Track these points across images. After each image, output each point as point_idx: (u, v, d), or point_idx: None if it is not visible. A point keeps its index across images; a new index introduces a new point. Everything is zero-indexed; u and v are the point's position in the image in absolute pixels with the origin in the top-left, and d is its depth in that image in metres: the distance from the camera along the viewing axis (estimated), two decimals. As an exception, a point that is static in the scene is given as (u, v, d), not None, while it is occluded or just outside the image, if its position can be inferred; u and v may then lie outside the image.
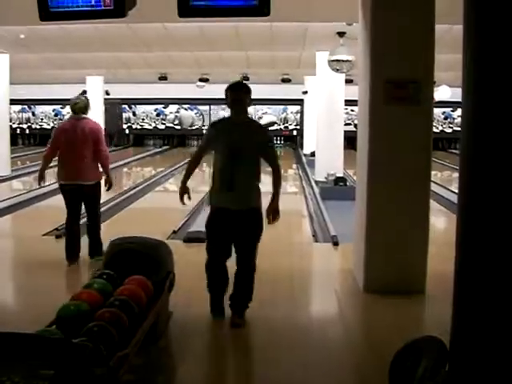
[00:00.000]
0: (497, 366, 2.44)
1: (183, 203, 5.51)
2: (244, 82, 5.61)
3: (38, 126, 30.13)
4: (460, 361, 2.59)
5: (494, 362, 2.44)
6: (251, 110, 28.69)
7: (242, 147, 5.28)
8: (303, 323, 5.61)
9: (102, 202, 12.07)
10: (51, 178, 15.97)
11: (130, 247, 5.09)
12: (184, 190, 5.49)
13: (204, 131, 28.92)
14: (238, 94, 5.30)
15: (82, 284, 4.66)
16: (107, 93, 25.83)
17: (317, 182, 15.02)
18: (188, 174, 5.60)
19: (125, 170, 20.69)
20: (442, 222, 10.46)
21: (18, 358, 2.93)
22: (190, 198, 5.53)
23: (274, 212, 5.35)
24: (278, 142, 28.93)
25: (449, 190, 13.55)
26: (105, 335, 3.60)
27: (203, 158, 5.63)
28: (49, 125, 29.21)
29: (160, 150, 28.09)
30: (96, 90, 24.67)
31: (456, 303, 2.72)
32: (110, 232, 8.39)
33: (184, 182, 5.52)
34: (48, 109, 29.93)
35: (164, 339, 4.88)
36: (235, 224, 5.32)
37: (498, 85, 2.57)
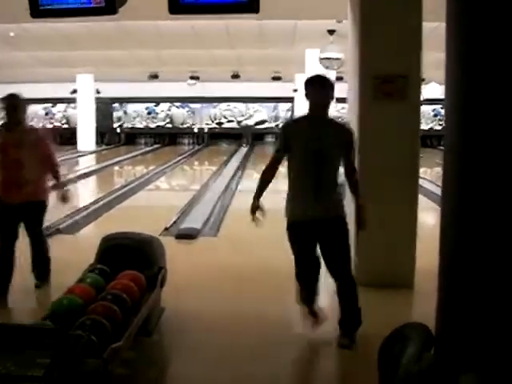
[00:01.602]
0: (482, 350, 2.50)
1: (255, 220, 4.84)
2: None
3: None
4: (445, 345, 2.65)
5: (480, 344, 2.50)
6: (242, 107, 28.83)
7: (327, 148, 4.73)
8: (292, 317, 5.65)
9: (93, 199, 12.18)
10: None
11: (122, 242, 5.13)
12: (256, 206, 4.83)
13: (195, 129, 29.20)
14: (324, 92, 4.79)
15: (73, 281, 4.69)
16: (98, 91, 25.82)
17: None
18: (262, 188, 4.89)
19: (116, 168, 20.69)
20: (431, 217, 10.52)
21: (14, 348, 2.98)
22: (263, 214, 4.85)
23: (363, 223, 4.92)
24: (271, 140, 29.10)
25: (438, 186, 13.63)
26: (98, 328, 3.64)
27: (280, 165, 4.91)
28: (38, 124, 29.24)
29: (151, 148, 28.08)
30: (87, 89, 24.71)
31: (441, 289, 2.78)
32: (101, 229, 8.44)
33: (257, 198, 4.85)
34: (39, 108, 29.82)
35: (156, 334, 4.91)
36: (320, 235, 4.81)
37: (481, 81, 2.62)
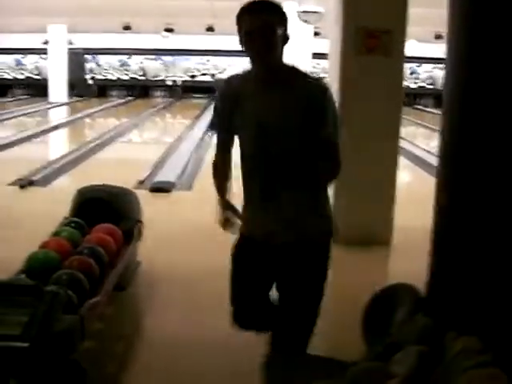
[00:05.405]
0: (475, 311, 2.47)
1: (227, 228, 3.08)
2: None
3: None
4: (437, 307, 2.62)
5: (473, 306, 2.47)
6: (216, 61, 28.39)
7: (279, 122, 2.82)
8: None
9: (65, 152, 11.97)
10: (12, 130, 15.67)
11: (97, 196, 5.02)
12: (226, 203, 3.08)
13: (168, 82, 28.78)
14: (261, 21, 2.77)
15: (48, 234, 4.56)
16: (70, 42, 25.31)
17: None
18: (220, 187, 3.11)
19: (87, 120, 20.38)
20: (407, 176, 10.54)
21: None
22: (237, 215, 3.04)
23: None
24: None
25: (414, 144, 13.63)
26: (74, 283, 3.55)
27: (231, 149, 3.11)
28: (9, 75, 28.68)
29: (124, 100, 27.69)
30: (59, 39, 24.20)
31: (434, 251, 2.74)
32: (74, 181, 8.32)
33: (222, 196, 3.10)
34: (8, 58, 29.13)
35: (132, 287, 4.85)
36: (276, 264, 3.02)
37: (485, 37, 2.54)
